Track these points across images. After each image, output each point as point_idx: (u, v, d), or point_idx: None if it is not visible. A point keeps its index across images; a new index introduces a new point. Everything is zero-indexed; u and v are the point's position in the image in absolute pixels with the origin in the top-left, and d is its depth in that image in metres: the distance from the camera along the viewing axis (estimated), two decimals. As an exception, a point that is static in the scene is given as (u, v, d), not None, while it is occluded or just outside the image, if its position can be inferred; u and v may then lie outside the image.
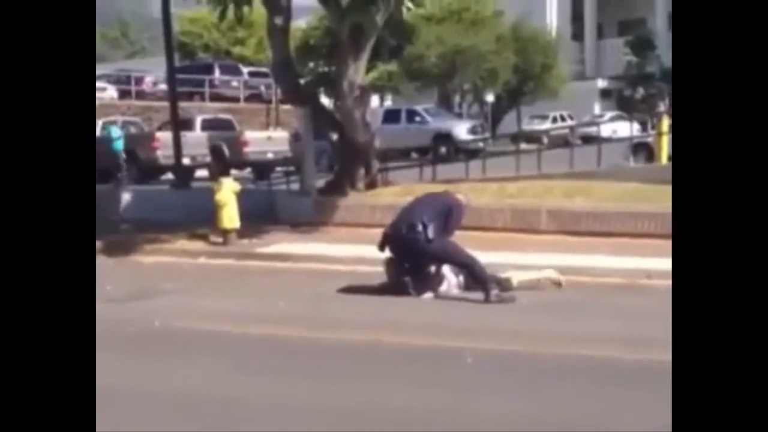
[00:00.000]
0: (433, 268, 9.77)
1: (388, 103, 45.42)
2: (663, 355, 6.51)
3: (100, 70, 45.13)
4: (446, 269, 9.76)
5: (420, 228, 9.50)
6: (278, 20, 16.42)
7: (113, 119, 29.46)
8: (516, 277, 9.76)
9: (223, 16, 16.39)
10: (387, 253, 9.98)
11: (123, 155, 25.01)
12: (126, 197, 17.78)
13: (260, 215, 15.17)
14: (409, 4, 16.82)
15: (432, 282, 9.72)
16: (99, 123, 29.40)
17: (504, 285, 9.50)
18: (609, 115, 43.17)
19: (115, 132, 25.58)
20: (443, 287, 9.71)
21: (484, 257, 9.82)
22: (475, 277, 9.46)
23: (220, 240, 13.86)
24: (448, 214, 9.78)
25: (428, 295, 9.59)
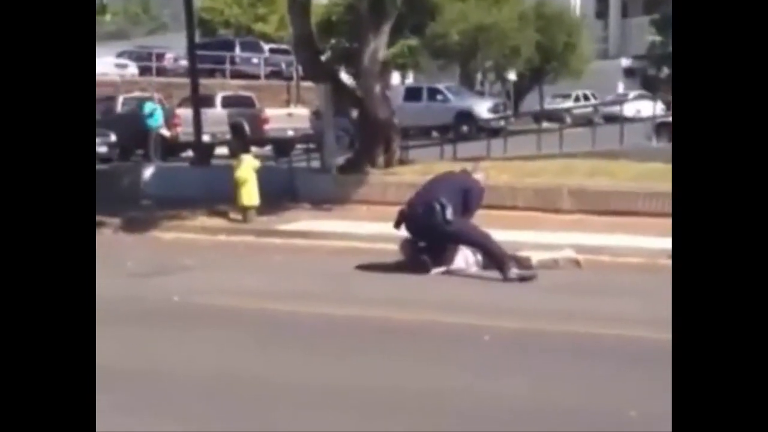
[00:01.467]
0: (451, 247, 9.72)
1: (410, 80, 45.23)
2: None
3: (121, 46, 45.37)
4: (465, 248, 9.71)
5: (438, 208, 9.45)
6: (300, -4, 16.37)
7: (139, 95, 29.47)
8: (535, 257, 9.70)
9: None
10: (403, 231, 9.93)
11: (156, 131, 25.08)
12: (147, 173, 17.81)
13: (280, 193, 15.16)
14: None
15: (450, 260, 9.68)
16: (120, 99, 29.48)
17: (523, 264, 9.44)
18: (633, 94, 42.84)
19: (148, 107, 25.62)
20: (461, 265, 9.66)
21: (504, 236, 9.78)
22: (492, 256, 9.41)
23: (239, 217, 13.87)
24: (467, 194, 9.72)
25: (440, 269, 9.54)
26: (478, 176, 10.22)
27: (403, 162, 17.12)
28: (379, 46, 16.20)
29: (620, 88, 48.89)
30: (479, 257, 9.66)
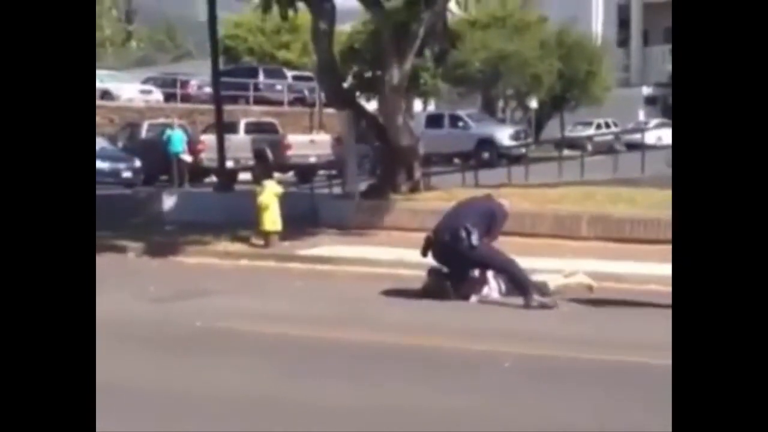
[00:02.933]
0: (476, 272, 9.76)
1: (431, 107, 45.37)
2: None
3: (146, 73, 45.78)
4: (489, 274, 9.75)
5: (463, 234, 9.49)
6: (323, 24, 16.53)
7: (164, 122, 29.76)
8: (550, 282, 9.73)
9: (267, 9, 16.39)
10: (429, 258, 9.98)
11: (177, 156, 25.33)
12: (171, 198, 17.97)
13: (302, 218, 15.24)
14: (454, 9, 16.84)
15: (474, 286, 9.71)
16: (145, 125, 29.75)
17: (543, 290, 9.47)
18: (654, 122, 42.76)
19: (168, 134, 25.91)
20: (485, 291, 9.70)
21: (524, 263, 9.79)
22: (517, 283, 9.44)
23: (262, 242, 13.94)
24: (492, 219, 9.77)
25: (473, 298, 9.58)
26: (503, 201, 10.28)
27: (425, 188, 17.18)
28: (401, 74, 16.32)
29: (641, 115, 48.80)
30: (502, 284, 9.68)
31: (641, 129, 37.15)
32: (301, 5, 16.75)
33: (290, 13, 16.78)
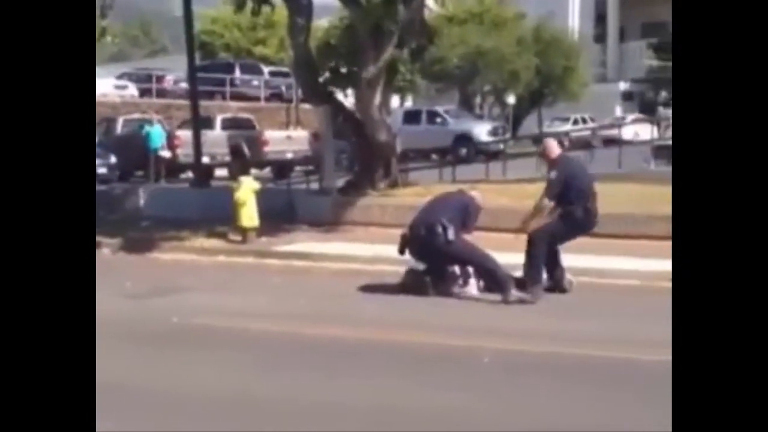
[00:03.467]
0: (455, 268, 9.74)
1: (409, 104, 45.35)
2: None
3: (121, 68, 45.49)
4: (469, 269, 9.72)
5: (439, 230, 9.47)
6: (299, 19, 16.45)
7: (140, 117, 29.57)
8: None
9: (240, 7, 16.37)
10: (407, 256, 9.95)
11: (156, 153, 25.19)
12: (147, 194, 17.87)
13: (279, 214, 15.17)
14: (431, 4, 16.80)
15: (452, 281, 9.69)
16: (120, 121, 29.53)
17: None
18: (630, 117, 42.95)
19: (147, 129, 25.78)
20: (464, 287, 9.67)
21: (503, 259, 9.77)
22: (494, 278, 9.42)
23: (239, 238, 13.87)
24: (466, 213, 9.75)
25: (452, 294, 9.53)
26: (474, 193, 10.26)
27: (402, 184, 17.14)
28: (378, 70, 16.26)
29: (618, 111, 49.02)
30: (480, 280, 9.66)
31: (618, 125, 37.27)
32: (277, 0, 16.64)
33: (266, 9, 16.66)
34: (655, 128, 29.23)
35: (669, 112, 38.83)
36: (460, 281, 9.71)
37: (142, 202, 17.48)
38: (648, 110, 45.48)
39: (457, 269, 9.75)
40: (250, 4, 16.12)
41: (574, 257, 11.29)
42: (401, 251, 9.97)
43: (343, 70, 37.69)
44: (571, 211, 9.49)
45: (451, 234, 9.44)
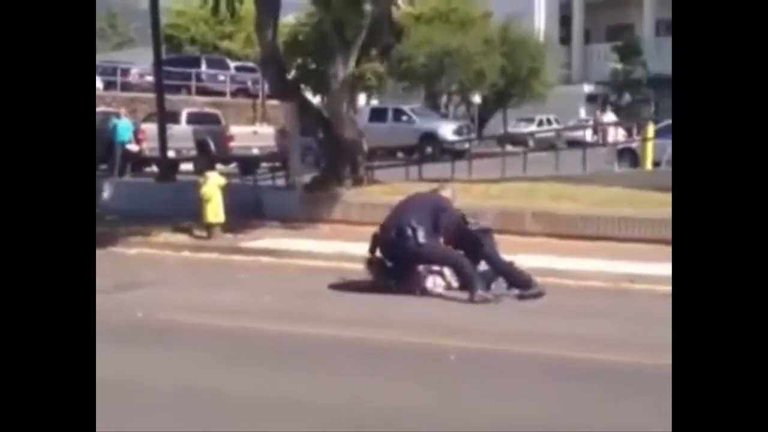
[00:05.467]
0: (421, 267, 9.75)
1: (375, 102, 45.37)
2: (644, 357, 6.58)
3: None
4: (443, 269, 9.75)
5: (410, 232, 9.50)
6: (267, 15, 16.40)
7: (105, 110, 29.31)
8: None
9: (216, 10, 16.34)
10: (378, 255, 9.96)
11: (124, 146, 25.00)
12: (111, 187, 17.73)
13: (245, 210, 15.13)
14: (399, 2, 16.82)
15: (420, 279, 9.70)
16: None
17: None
18: (606, 119, 43.24)
19: (114, 122, 25.58)
20: (429, 284, 9.70)
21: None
22: (464, 277, 9.47)
23: (204, 234, 13.82)
24: (437, 214, 9.78)
25: (418, 292, 9.56)
26: (446, 193, 10.29)
27: (369, 182, 17.16)
28: (345, 67, 16.25)
29: (582, 113, 49.41)
30: (452, 280, 9.68)
31: (583, 126, 37.56)
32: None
33: (236, 5, 16.61)
34: (620, 130, 29.45)
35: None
36: (428, 280, 9.73)
37: (106, 195, 17.33)
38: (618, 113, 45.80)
39: (421, 268, 9.76)
40: (224, 1, 16.07)
41: (539, 258, 11.40)
42: (372, 250, 9.98)
43: (311, 67, 37.63)
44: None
45: (421, 236, 9.48)
